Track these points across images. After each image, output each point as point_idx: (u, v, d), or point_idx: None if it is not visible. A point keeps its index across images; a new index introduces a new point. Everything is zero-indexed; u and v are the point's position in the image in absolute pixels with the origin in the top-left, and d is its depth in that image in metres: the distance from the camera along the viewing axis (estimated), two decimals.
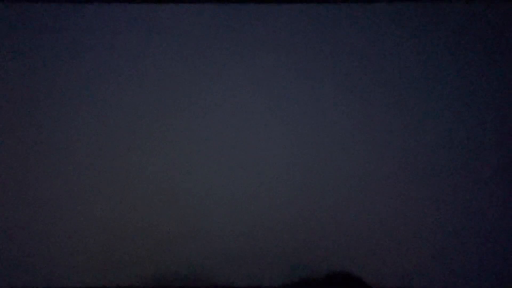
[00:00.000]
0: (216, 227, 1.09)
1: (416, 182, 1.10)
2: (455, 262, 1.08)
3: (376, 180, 1.10)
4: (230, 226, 1.09)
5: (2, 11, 1.11)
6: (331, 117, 1.11)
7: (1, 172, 1.09)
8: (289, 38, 1.12)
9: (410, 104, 1.12)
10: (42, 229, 1.08)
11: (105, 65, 1.11)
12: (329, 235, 1.09)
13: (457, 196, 1.10)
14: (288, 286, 0.96)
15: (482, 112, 1.11)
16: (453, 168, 1.10)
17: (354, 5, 1.12)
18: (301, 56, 1.12)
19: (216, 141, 1.11)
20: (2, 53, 1.10)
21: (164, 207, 1.09)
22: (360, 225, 1.09)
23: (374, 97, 1.11)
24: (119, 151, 1.10)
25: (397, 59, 1.12)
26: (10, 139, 1.09)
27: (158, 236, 1.09)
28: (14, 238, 1.08)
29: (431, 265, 1.08)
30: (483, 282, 1.08)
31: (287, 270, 1.08)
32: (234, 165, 1.10)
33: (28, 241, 1.08)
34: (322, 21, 1.12)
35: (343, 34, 1.12)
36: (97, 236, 1.08)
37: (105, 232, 1.08)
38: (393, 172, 1.10)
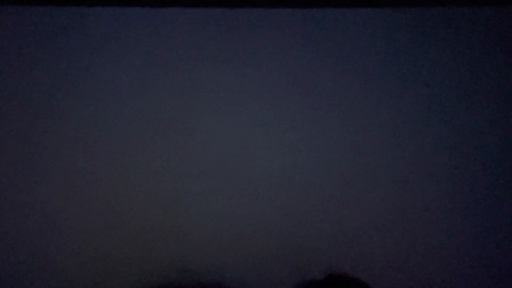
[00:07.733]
0: (214, 231, 1.10)
1: (414, 183, 1.10)
2: (454, 262, 1.08)
3: (374, 182, 1.10)
4: (228, 230, 1.09)
5: (6, 14, 1.12)
6: (329, 120, 1.12)
7: (1, 173, 1.09)
8: (292, 42, 1.12)
9: (409, 106, 1.12)
10: (40, 232, 1.09)
11: (108, 68, 1.11)
12: (327, 236, 1.09)
13: (456, 197, 1.10)
14: None
15: (482, 113, 1.12)
16: (453, 169, 1.10)
17: (354, 10, 1.12)
18: (302, 60, 1.12)
19: (215, 145, 1.11)
20: (7, 55, 1.11)
21: (163, 211, 1.09)
22: (358, 227, 1.09)
23: (373, 100, 1.12)
24: (119, 154, 1.10)
25: (397, 62, 1.12)
26: (11, 140, 1.10)
27: (155, 240, 1.09)
28: (12, 242, 1.08)
29: (430, 266, 1.09)
30: (482, 283, 1.08)
31: (284, 273, 1.08)
32: (232, 168, 1.11)
33: (27, 244, 1.09)
34: (322, 26, 1.12)
35: (343, 39, 1.13)
36: (95, 240, 1.09)
37: (103, 236, 1.09)
38: (391, 173, 1.11)
